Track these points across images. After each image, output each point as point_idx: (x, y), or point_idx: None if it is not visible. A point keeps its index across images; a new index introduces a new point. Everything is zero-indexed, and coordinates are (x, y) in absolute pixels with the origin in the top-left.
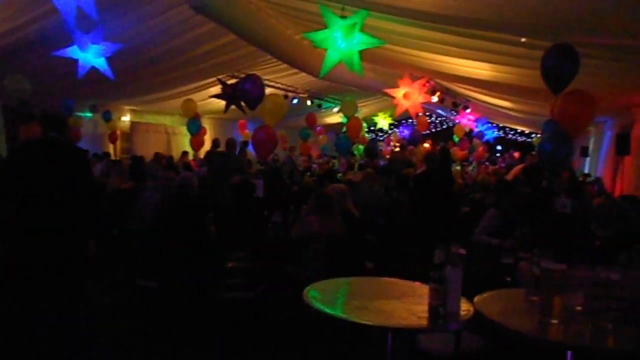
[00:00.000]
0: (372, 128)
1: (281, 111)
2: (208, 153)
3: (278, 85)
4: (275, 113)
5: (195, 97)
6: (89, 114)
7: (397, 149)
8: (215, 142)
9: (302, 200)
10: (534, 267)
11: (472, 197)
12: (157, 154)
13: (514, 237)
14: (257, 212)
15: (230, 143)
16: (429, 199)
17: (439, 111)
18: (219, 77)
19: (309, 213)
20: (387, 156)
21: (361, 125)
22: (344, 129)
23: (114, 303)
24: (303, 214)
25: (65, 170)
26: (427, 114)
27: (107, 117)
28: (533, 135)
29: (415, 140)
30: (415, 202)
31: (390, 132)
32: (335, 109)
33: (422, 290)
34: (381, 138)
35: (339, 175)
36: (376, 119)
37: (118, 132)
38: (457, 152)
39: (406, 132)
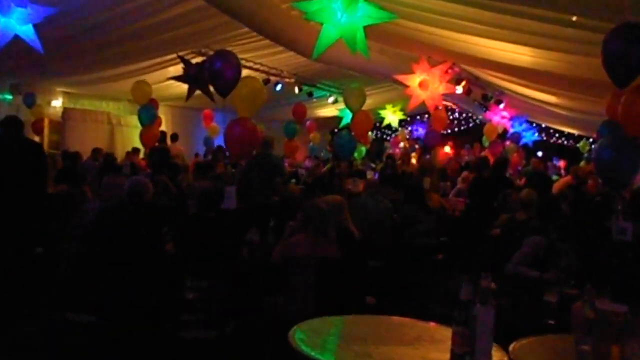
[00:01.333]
0: (377, 124)
1: (260, 99)
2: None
3: (257, 66)
4: (252, 102)
5: (150, 78)
6: (8, 96)
7: (411, 154)
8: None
9: (286, 215)
10: (586, 308)
11: (512, 217)
12: (95, 150)
13: (559, 268)
14: (227, 228)
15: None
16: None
17: (464, 106)
18: (181, 53)
19: (294, 231)
20: (399, 161)
21: (371, 121)
22: (344, 123)
23: (34, 343)
24: (287, 233)
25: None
26: (449, 108)
27: (30, 102)
28: (583, 140)
29: (431, 142)
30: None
31: (398, 130)
32: (331, 99)
33: (441, 333)
34: (387, 137)
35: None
36: (383, 113)
37: (45, 120)
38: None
39: (421, 131)
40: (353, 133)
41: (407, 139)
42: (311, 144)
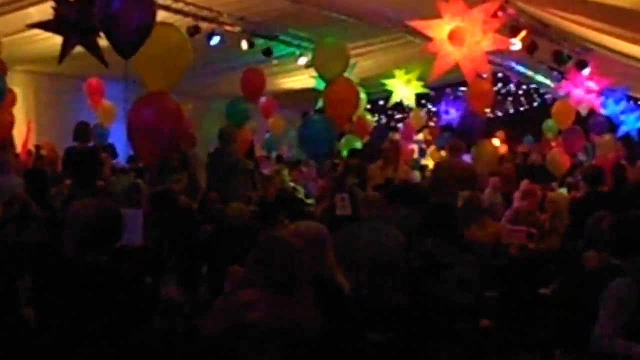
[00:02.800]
0: (380, 103)
1: (182, 62)
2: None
3: (178, 5)
4: (170, 67)
5: None
6: None
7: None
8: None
9: (227, 255)
10: None
11: (606, 260)
12: None
13: None
14: (128, 282)
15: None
16: None
17: (522, 70)
18: None
19: (244, 285)
20: (427, 164)
21: (355, 95)
22: (319, 103)
23: None
24: (229, 286)
25: None
26: (499, 77)
27: None
28: None
29: (470, 130)
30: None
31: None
32: (302, 60)
33: None
34: (397, 124)
35: (309, 203)
36: (390, 83)
37: None
38: (558, 157)
39: (453, 114)
40: (328, 115)
41: (430, 127)
42: (268, 135)
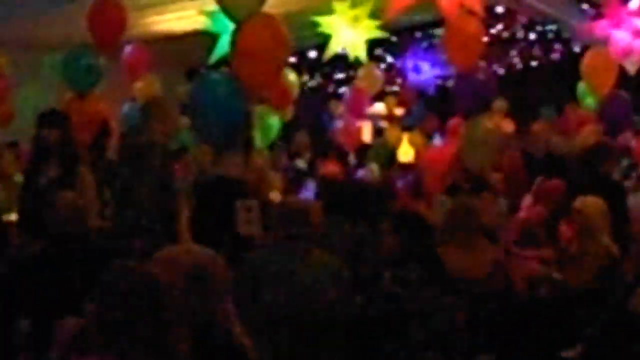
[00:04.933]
0: (311, 55)
1: None
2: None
3: None
4: None
5: None
6: None
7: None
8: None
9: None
10: None
11: None
12: None
13: None
14: None
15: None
16: None
17: (536, 3)
18: None
19: (80, 348)
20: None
21: (284, 42)
22: (214, 54)
23: None
24: (58, 351)
25: None
26: (496, 10)
27: None
28: None
29: (458, 101)
30: None
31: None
32: None
33: None
34: (339, 90)
35: None
36: (326, 24)
37: None
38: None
39: (426, 72)
40: (235, 77)
41: (391, 96)
42: (128, 106)
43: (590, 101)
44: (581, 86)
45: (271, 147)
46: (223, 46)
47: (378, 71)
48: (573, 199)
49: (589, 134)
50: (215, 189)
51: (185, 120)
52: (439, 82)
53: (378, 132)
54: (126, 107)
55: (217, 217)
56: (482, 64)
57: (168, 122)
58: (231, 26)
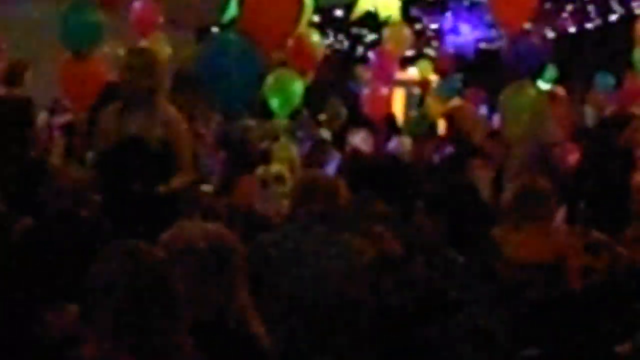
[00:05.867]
0: (338, 14)
1: None
2: None
3: None
4: None
5: None
6: None
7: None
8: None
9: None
10: None
11: None
12: None
13: None
14: None
15: None
16: None
17: None
18: None
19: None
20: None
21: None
22: (228, 13)
23: None
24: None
25: None
26: None
27: None
28: None
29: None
30: None
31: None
32: None
33: None
34: (366, 55)
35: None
36: None
37: None
38: None
39: (466, 34)
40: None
41: (432, 58)
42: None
43: None
44: (638, 51)
45: (293, 115)
46: (235, 4)
47: (407, 31)
48: None
49: None
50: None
51: None
52: (481, 45)
53: (410, 99)
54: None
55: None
56: (532, 26)
57: (155, 76)
58: None
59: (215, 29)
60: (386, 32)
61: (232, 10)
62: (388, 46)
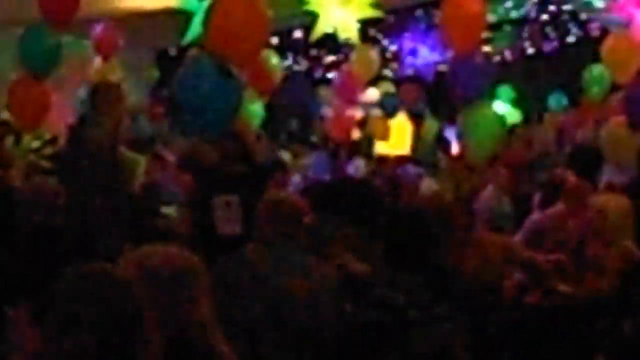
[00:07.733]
0: (297, 35)
1: None
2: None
3: None
4: None
5: None
6: None
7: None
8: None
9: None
10: None
11: None
12: None
13: None
14: None
15: None
16: None
17: None
18: None
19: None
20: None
21: (261, 19)
22: (189, 33)
23: None
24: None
25: None
26: None
27: None
28: None
29: (459, 87)
30: None
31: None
32: None
33: None
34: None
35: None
36: (312, 0)
37: None
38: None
39: (424, 55)
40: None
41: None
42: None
43: (596, 90)
44: (590, 70)
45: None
46: (197, 26)
47: (374, 53)
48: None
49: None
50: None
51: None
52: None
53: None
54: (82, 92)
55: None
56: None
57: (116, 109)
58: (205, 4)
59: (173, 51)
60: (354, 54)
61: (194, 31)
62: (354, 68)
